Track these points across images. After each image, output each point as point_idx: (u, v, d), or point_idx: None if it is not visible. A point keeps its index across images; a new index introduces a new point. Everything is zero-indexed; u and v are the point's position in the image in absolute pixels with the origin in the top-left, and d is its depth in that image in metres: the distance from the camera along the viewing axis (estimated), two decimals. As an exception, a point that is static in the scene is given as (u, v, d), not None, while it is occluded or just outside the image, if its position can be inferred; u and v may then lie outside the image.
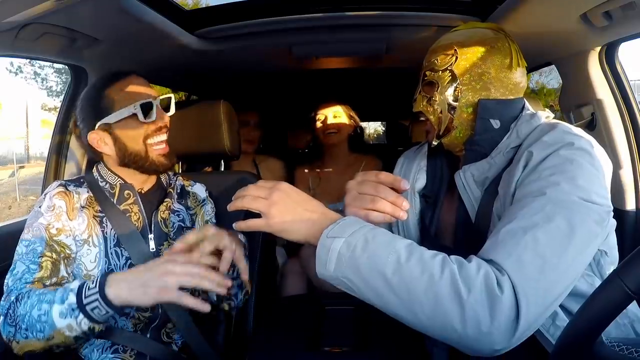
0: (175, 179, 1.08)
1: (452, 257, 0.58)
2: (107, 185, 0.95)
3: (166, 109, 0.97)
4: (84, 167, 1.30)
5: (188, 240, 0.77)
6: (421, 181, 0.94)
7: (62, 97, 1.35)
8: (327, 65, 1.60)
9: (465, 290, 0.54)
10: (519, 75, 0.81)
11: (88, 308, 0.71)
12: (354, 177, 0.72)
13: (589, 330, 0.44)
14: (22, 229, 0.87)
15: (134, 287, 0.70)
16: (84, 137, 0.94)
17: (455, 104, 0.81)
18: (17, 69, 11.07)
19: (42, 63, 10.44)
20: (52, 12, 0.80)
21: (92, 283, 0.72)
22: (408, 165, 0.99)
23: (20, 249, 0.84)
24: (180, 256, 0.74)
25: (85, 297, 0.72)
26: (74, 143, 1.29)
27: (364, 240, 0.58)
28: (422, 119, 0.89)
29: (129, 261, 0.90)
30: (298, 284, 1.53)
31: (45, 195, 0.90)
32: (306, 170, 1.83)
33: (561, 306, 0.69)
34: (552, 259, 0.57)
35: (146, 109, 0.90)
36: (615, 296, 0.42)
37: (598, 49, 1.15)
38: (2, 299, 0.79)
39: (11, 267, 0.82)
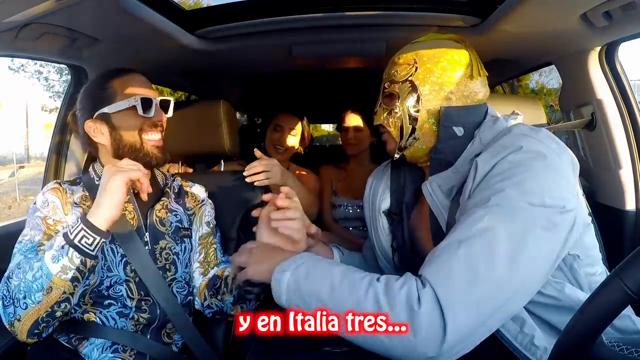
0: (172, 179, 1.08)
1: (383, 276, 0.62)
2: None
3: (164, 110, 0.98)
4: (84, 166, 1.30)
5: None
6: (386, 201, 0.95)
7: (62, 97, 1.35)
8: (327, 65, 1.60)
9: (387, 307, 0.57)
10: (480, 85, 0.81)
11: (76, 240, 0.76)
12: None
13: (589, 330, 0.44)
14: (22, 229, 0.87)
15: (104, 203, 0.79)
16: (80, 126, 0.95)
17: (416, 114, 0.80)
18: (18, 68, 11.06)
19: (43, 62, 10.43)
20: (52, 12, 0.80)
21: (75, 222, 0.79)
22: (376, 185, 1.00)
23: (18, 244, 0.84)
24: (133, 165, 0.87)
25: (70, 234, 0.77)
26: (74, 143, 1.29)
27: (306, 271, 0.65)
28: (382, 131, 0.89)
29: (125, 258, 0.90)
30: None
31: (42, 192, 0.92)
32: (330, 171, 1.86)
33: (530, 313, 0.68)
34: (485, 271, 0.57)
35: (146, 104, 0.92)
36: (615, 296, 0.42)
37: (598, 49, 1.15)
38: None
39: (10, 262, 0.82)
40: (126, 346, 0.88)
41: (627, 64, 1.33)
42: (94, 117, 0.92)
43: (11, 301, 0.75)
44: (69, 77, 1.29)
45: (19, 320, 0.76)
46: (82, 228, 0.76)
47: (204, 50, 1.26)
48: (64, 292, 0.76)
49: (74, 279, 0.76)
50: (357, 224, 1.68)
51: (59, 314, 0.78)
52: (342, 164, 1.87)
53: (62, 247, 0.75)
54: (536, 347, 0.66)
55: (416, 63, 0.81)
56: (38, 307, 0.75)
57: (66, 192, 0.92)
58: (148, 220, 0.96)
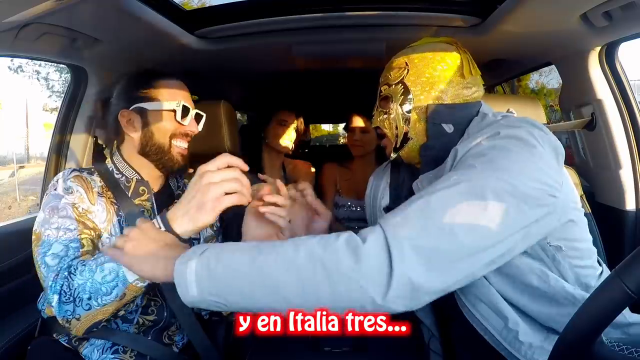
0: (182, 181, 1.09)
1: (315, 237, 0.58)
2: (123, 178, 0.94)
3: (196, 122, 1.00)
4: (84, 166, 1.30)
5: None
6: (386, 198, 0.96)
7: (62, 97, 1.35)
8: (327, 65, 1.60)
9: (321, 250, 0.54)
10: (472, 85, 0.81)
11: None
12: None
13: (589, 330, 0.44)
14: (22, 229, 0.87)
15: (194, 215, 0.71)
16: (112, 113, 0.94)
17: (408, 115, 0.82)
18: (18, 68, 11.06)
19: (43, 62, 10.43)
20: (52, 12, 0.80)
21: (155, 225, 0.72)
22: (377, 184, 1.01)
23: (48, 231, 0.80)
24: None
25: None
26: (74, 143, 1.29)
27: (215, 254, 0.58)
28: (380, 133, 0.90)
29: None
30: None
31: (57, 180, 0.87)
32: (334, 169, 1.86)
33: (512, 305, 0.68)
34: (441, 221, 0.54)
35: (185, 112, 0.94)
36: (615, 296, 0.42)
37: (598, 49, 1.15)
38: (50, 280, 0.75)
39: (41, 251, 0.78)
40: (126, 347, 0.88)
41: (627, 64, 1.33)
42: (131, 108, 0.92)
43: (71, 299, 0.72)
44: (69, 77, 1.29)
45: (78, 319, 0.73)
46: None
47: (204, 50, 1.26)
48: (135, 297, 0.75)
49: (148, 285, 0.74)
50: (360, 224, 1.68)
51: (121, 312, 0.77)
52: (346, 163, 1.87)
53: None
54: (521, 343, 0.66)
55: (407, 65, 0.83)
56: (104, 310, 0.73)
57: (90, 182, 0.89)
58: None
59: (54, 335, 0.88)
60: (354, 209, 1.70)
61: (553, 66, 1.35)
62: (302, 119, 1.74)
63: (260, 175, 1.30)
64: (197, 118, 1.00)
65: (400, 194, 0.93)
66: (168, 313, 0.92)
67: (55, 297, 0.73)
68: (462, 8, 1.14)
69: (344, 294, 0.53)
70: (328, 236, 0.57)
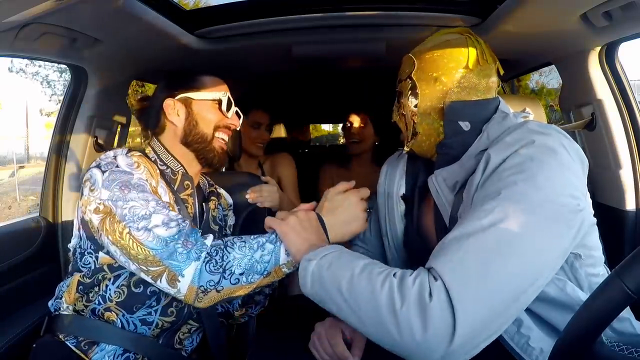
0: (211, 182, 1.10)
1: (400, 271, 0.61)
2: (168, 170, 0.94)
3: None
4: (84, 166, 1.30)
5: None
6: (402, 187, 0.95)
7: (62, 97, 1.35)
8: (327, 65, 1.60)
9: (400, 301, 0.56)
10: (486, 76, 0.79)
11: None
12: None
13: (589, 330, 0.44)
14: (22, 229, 0.86)
15: (346, 227, 0.80)
16: (156, 102, 0.95)
17: (416, 109, 0.81)
18: (18, 68, 11.05)
19: (43, 62, 10.43)
20: (52, 12, 0.80)
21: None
22: (392, 172, 1.01)
23: (135, 203, 0.77)
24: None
25: None
26: (74, 143, 1.29)
27: (330, 262, 0.66)
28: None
29: None
30: None
31: (113, 156, 0.84)
32: (332, 170, 1.87)
33: (529, 311, 0.68)
34: (496, 265, 0.55)
35: (229, 103, 0.95)
36: (615, 296, 0.41)
37: (598, 49, 1.15)
38: (179, 247, 0.74)
39: (136, 226, 0.75)
40: (137, 353, 0.86)
41: (627, 64, 1.33)
42: (177, 98, 0.93)
43: (221, 270, 0.73)
44: (69, 77, 1.29)
45: (218, 291, 0.73)
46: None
47: (204, 50, 1.26)
48: (275, 279, 0.77)
49: (286, 274, 0.77)
50: None
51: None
52: (344, 163, 1.87)
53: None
54: (532, 348, 0.66)
55: (415, 60, 0.82)
56: (247, 287, 0.75)
57: (150, 164, 0.88)
58: (204, 217, 0.96)
59: (60, 337, 0.85)
60: None
61: (553, 66, 1.35)
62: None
63: (263, 178, 1.32)
64: (237, 116, 1.02)
65: (417, 184, 0.93)
66: (188, 311, 0.91)
67: (195, 265, 0.73)
68: (462, 8, 1.14)
69: (408, 340, 0.55)
70: (408, 278, 0.59)
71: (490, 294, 0.54)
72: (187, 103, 0.93)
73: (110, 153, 0.86)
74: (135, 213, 0.77)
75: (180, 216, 0.81)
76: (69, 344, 0.84)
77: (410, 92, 0.82)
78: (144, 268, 0.75)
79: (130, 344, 0.85)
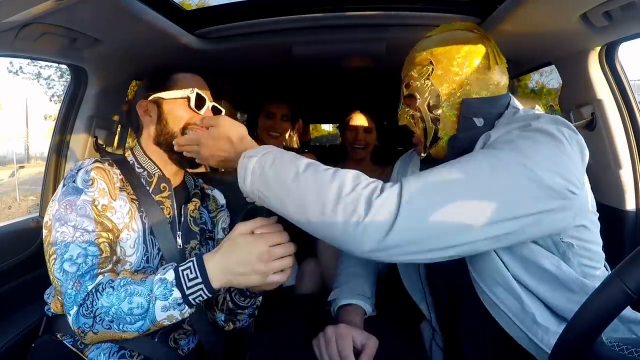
0: (197, 180, 1.09)
1: (352, 170, 0.65)
2: (145, 172, 0.94)
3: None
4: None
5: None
6: None
7: (62, 97, 1.35)
8: (327, 65, 1.60)
9: (349, 188, 0.60)
10: (498, 74, 0.80)
11: (191, 298, 0.73)
12: None
13: (589, 330, 0.44)
14: (22, 229, 0.86)
15: (235, 271, 0.71)
16: (135, 103, 0.96)
17: (437, 114, 0.80)
18: (18, 69, 11.05)
19: (44, 62, 10.43)
20: (52, 12, 0.80)
21: (190, 272, 0.72)
22: (404, 170, 1.01)
23: (65, 229, 0.78)
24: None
25: (187, 289, 0.72)
26: (74, 143, 1.29)
27: (272, 159, 0.68)
28: (409, 131, 0.88)
29: (160, 252, 0.89)
30: (309, 284, 1.49)
31: (77, 169, 0.84)
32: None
33: (527, 289, 0.68)
34: (455, 190, 0.58)
35: (199, 100, 0.94)
36: (615, 296, 0.42)
37: (598, 49, 1.15)
38: (69, 288, 0.74)
39: (58, 252, 0.77)
40: (133, 351, 0.85)
41: (627, 64, 1.33)
42: (149, 99, 0.94)
43: (92, 316, 0.72)
44: (69, 77, 1.29)
45: (95, 333, 0.73)
46: (201, 288, 0.72)
47: (204, 50, 1.26)
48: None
49: (173, 323, 0.75)
50: None
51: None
52: (343, 163, 1.87)
53: (179, 303, 0.72)
54: (538, 326, 0.65)
55: (432, 62, 0.80)
56: (123, 335, 0.73)
57: (112, 175, 0.87)
58: (182, 219, 0.95)
59: (58, 336, 0.86)
60: None
61: (553, 66, 1.35)
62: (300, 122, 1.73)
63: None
64: (215, 112, 1.00)
65: None
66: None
67: (75, 308, 0.73)
68: (462, 8, 1.14)
69: (350, 229, 0.58)
70: (361, 177, 0.63)
71: (436, 212, 0.56)
72: (158, 103, 0.93)
73: (78, 164, 0.86)
74: (63, 239, 0.78)
75: (102, 245, 0.79)
76: (66, 342, 0.85)
77: (428, 95, 0.80)
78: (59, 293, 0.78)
79: (125, 342, 0.84)
